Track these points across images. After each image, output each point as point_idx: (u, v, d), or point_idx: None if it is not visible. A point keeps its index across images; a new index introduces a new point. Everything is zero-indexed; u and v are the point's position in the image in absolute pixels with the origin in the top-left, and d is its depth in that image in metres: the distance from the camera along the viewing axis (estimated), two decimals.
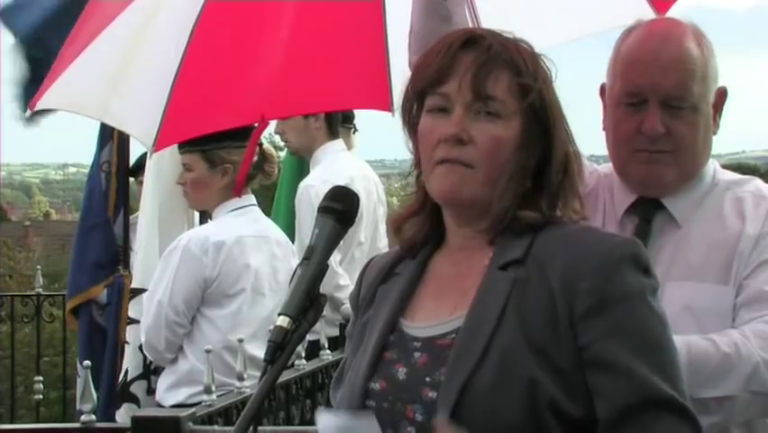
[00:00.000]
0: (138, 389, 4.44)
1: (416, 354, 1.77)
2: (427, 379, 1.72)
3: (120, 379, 4.59)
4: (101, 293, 5.43)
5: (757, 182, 2.38)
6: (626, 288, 1.70)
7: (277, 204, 5.66)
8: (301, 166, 5.37)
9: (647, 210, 2.34)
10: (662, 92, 2.27)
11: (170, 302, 3.86)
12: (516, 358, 1.66)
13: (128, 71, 3.51)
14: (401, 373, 1.76)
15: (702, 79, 2.28)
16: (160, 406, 3.94)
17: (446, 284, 1.82)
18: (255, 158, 4.00)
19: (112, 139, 5.43)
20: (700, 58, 2.29)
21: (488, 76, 1.76)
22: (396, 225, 1.90)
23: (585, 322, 1.68)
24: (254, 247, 3.98)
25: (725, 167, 2.45)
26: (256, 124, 3.94)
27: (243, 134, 3.91)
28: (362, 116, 5.64)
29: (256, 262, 3.98)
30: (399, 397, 1.75)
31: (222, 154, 3.95)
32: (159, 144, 3.48)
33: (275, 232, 4.18)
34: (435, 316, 1.79)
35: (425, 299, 1.83)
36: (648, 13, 3.14)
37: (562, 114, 1.83)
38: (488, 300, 1.72)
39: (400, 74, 3.39)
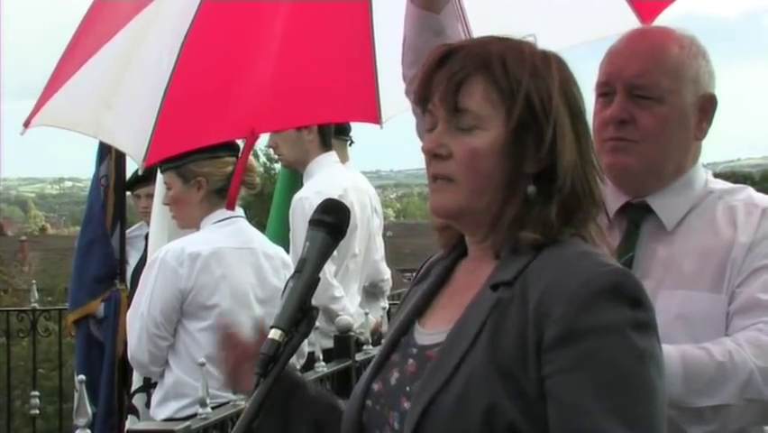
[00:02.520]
0: (138, 401, 4.45)
1: (410, 361, 1.77)
2: (407, 388, 1.72)
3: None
4: (98, 307, 5.44)
5: (749, 191, 2.38)
6: (600, 321, 1.60)
7: (270, 216, 5.65)
8: (294, 179, 5.37)
9: (636, 214, 2.35)
10: (626, 78, 2.28)
11: (149, 314, 3.84)
12: (481, 381, 1.62)
13: (120, 87, 3.51)
14: (394, 377, 1.77)
15: (675, 75, 2.28)
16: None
17: (456, 294, 1.81)
18: (230, 168, 3.96)
19: (110, 153, 5.44)
20: (676, 55, 2.30)
21: (458, 89, 1.74)
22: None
23: (549, 352, 1.60)
24: (234, 258, 3.94)
25: (719, 175, 2.46)
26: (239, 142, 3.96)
27: (212, 146, 3.88)
28: (357, 128, 5.65)
29: (236, 274, 3.93)
30: (387, 401, 1.75)
31: (192, 168, 3.94)
32: (149, 159, 3.48)
33: (262, 243, 4.14)
34: (438, 324, 1.78)
35: (438, 306, 1.84)
36: (633, 23, 3.16)
37: (569, 116, 1.75)
38: (470, 318, 1.70)
39: (389, 86, 3.41)
